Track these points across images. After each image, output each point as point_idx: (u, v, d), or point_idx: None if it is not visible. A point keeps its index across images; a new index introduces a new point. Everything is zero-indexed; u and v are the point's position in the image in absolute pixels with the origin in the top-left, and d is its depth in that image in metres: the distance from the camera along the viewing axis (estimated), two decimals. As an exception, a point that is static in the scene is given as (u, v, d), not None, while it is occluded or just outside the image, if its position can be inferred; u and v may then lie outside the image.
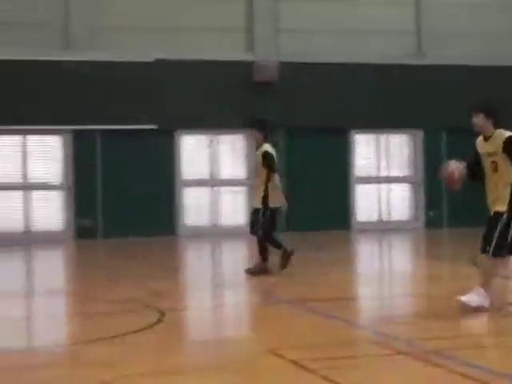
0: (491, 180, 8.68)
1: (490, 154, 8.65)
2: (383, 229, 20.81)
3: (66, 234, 19.46)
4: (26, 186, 19.44)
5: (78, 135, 19.44)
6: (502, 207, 8.49)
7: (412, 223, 21.19)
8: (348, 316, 8.65)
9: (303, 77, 20.28)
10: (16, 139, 19.36)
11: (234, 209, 20.59)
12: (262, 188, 12.13)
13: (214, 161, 20.50)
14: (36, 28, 19.28)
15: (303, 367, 6.34)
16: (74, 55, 19.23)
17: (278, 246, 12.22)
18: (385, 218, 21.50)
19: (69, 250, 18.49)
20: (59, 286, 12.41)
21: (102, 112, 19.22)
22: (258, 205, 12.16)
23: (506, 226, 8.43)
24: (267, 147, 12.25)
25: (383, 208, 21.59)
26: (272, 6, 20.69)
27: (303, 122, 20.36)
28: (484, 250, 8.55)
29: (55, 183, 19.63)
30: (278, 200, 12.13)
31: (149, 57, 19.51)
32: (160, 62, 19.53)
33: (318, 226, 19.90)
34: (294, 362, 6.49)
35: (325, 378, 6.05)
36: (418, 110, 20.75)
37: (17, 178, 19.40)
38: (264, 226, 12.10)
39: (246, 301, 10.67)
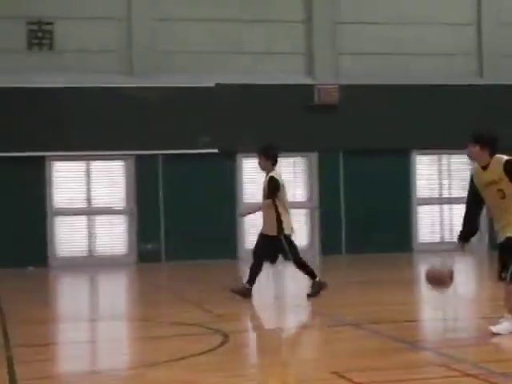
0: (499, 207, 8.46)
1: (492, 183, 8.44)
2: (445, 250, 20.56)
3: (129, 257, 19.65)
4: (90, 211, 19.70)
5: (140, 160, 19.66)
6: None
7: (475, 244, 20.91)
8: (413, 338, 8.58)
9: (364, 99, 20.26)
10: (80, 165, 19.66)
11: (295, 231, 20.52)
12: (274, 215, 12.10)
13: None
14: (99, 55, 19.59)
15: (369, 390, 6.32)
16: (136, 81, 19.48)
17: (253, 278, 12.12)
18: (447, 239, 21.28)
19: (132, 273, 18.65)
20: (123, 309, 12.52)
21: (164, 137, 19.42)
22: (273, 232, 12.11)
23: None
24: (274, 173, 12.26)
25: (445, 229, 21.39)
26: (331, 28, 20.73)
27: (364, 144, 20.32)
28: (500, 278, 8.45)
29: (118, 208, 19.86)
30: (288, 227, 12.17)
31: (209, 81, 19.66)
32: (220, 87, 19.67)
33: (379, 248, 19.79)
34: (360, 385, 6.46)
35: (391, 400, 6.02)
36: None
37: (81, 203, 19.68)
38: (291, 251, 12.08)
39: (309, 323, 10.65)
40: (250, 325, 10.73)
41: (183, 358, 7.78)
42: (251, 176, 20.45)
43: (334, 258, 19.61)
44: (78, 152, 19.34)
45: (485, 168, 8.58)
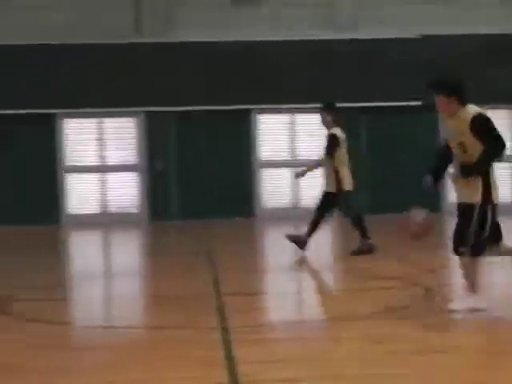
0: (460, 161, 7.67)
1: (456, 133, 7.61)
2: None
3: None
4: (294, 164, 19.93)
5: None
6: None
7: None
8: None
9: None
10: (285, 118, 19.96)
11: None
12: (334, 172, 12.25)
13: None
14: (304, 9, 19.69)
15: None
16: (339, 35, 19.53)
17: (309, 232, 12.55)
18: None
19: (336, 225, 18.79)
20: (327, 261, 12.75)
21: (367, 89, 19.38)
22: (332, 189, 12.30)
23: None
24: (335, 130, 12.34)
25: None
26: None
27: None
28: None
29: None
30: (348, 183, 12.31)
31: (414, 32, 19.39)
32: (426, 38, 19.33)
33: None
34: None
35: None
36: None
37: (285, 156, 20.03)
38: (347, 208, 12.36)
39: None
40: (451, 280, 10.67)
41: (385, 311, 7.94)
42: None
43: None
44: (283, 105, 19.69)
45: (451, 116, 7.74)
